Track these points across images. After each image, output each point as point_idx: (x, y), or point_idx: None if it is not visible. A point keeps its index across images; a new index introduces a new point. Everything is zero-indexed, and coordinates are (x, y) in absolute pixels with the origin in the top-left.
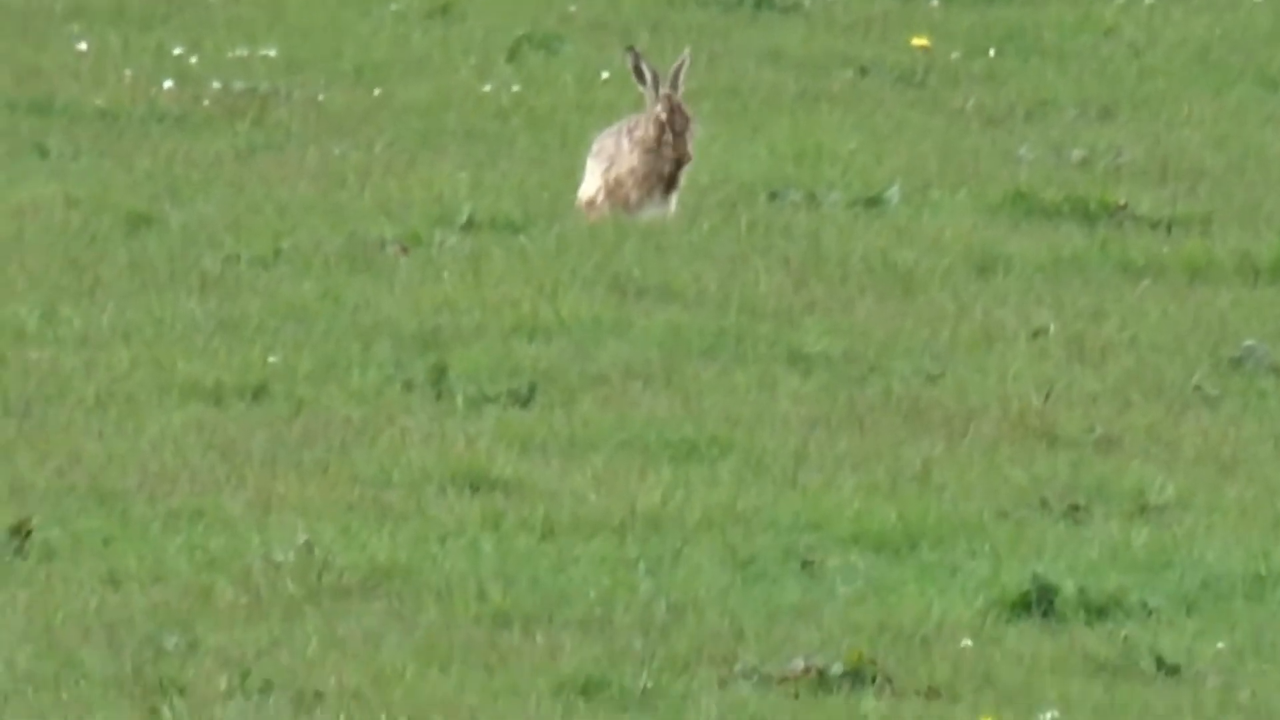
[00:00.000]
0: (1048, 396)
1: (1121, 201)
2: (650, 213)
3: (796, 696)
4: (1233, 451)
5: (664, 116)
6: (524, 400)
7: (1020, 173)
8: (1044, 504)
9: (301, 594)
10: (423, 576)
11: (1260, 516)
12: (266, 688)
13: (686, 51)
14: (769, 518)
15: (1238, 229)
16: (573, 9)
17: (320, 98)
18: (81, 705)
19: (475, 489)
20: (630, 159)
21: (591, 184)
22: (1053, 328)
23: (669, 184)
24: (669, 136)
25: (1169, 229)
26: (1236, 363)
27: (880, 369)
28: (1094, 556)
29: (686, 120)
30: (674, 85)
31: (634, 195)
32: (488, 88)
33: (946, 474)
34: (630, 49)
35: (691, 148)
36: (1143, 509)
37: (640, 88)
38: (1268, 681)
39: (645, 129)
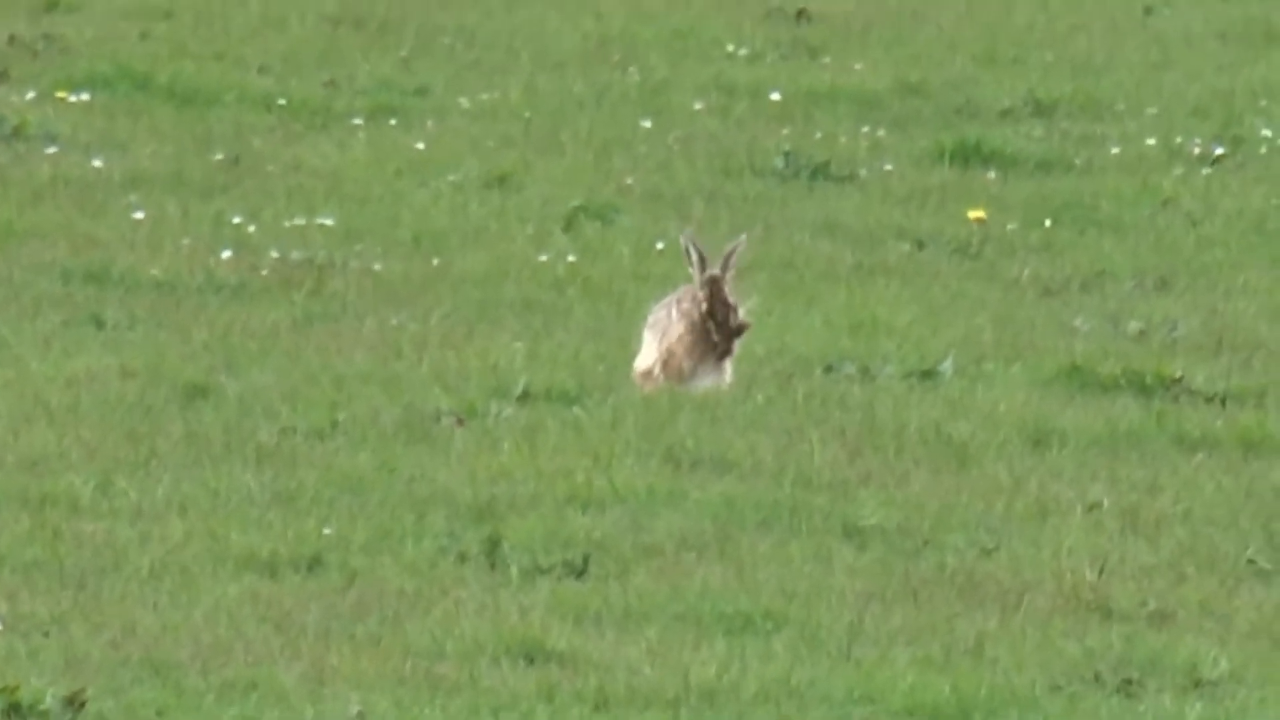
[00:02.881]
0: (1102, 570)
1: (1177, 374)
2: (706, 382)
3: None
4: None
5: (704, 306)
6: (578, 571)
7: (1076, 345)
8: (1097, 678)
9: None
10: None
11: None
12: None
13: (743, 237)
14: (823, 692)
15: None
16: (629, 180)
17: (377, 267)
18: None
19: (529, 661)
20: (679, 329)
21: (648, 355)
22: (1107, 501)
23: (723, 352)
24: (711, 325)
25: (1224, 403)
26: None
27: (935, 542)
28: None
29: (727, 309)
30: (724, 268)
31: (686, 365)
32: (544, 258)
33: (1000, 647)
34: (685, 232)
35: (737, 340)
36: (1196, 683)
37: (690, 270)
38: None
39: (692, 307)
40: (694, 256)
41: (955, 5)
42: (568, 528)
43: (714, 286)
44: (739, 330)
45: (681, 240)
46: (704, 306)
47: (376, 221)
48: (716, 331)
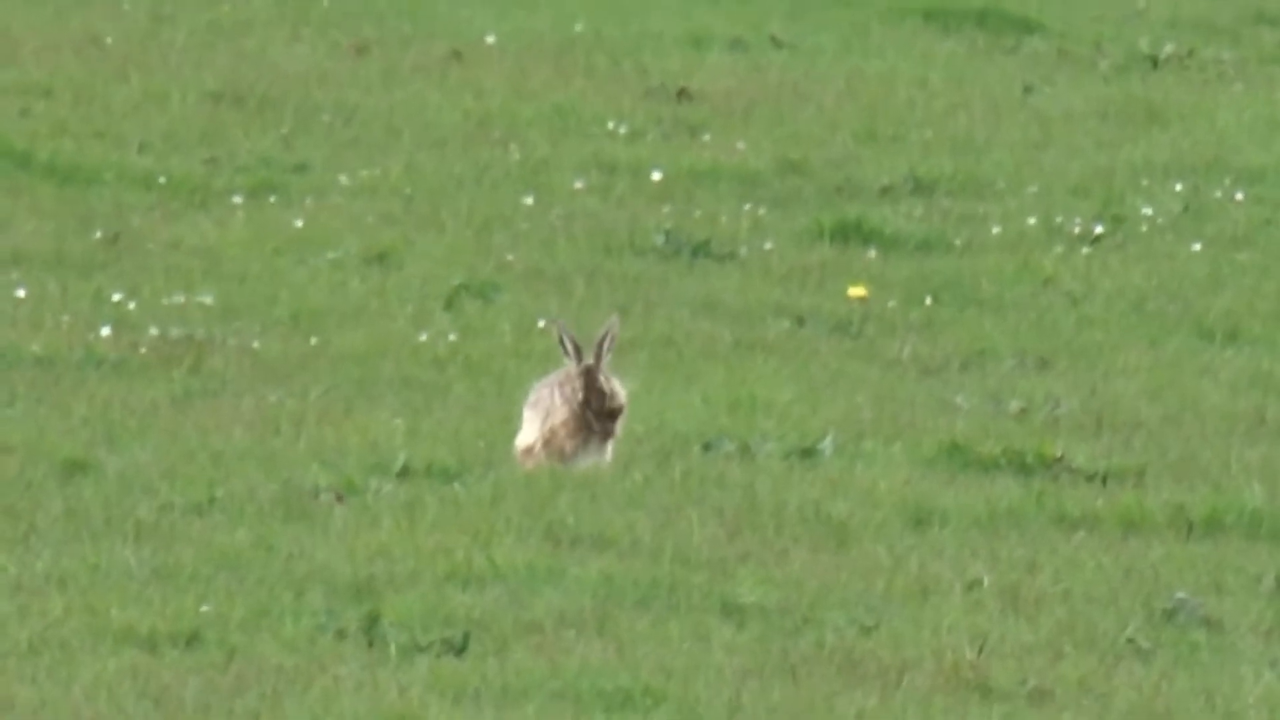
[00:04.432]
0: (981, 649)
1: (1058, 454)
2: (587, 461)
3: None
4: (1165, 705)
5: (580, 396)
6: (457, 649)
7: (956, 424)
8: None
9: None
10: None
11: None
12: None
13: (614, 319)
14: None
15: (1171, 482)
16: (510, 258)
17: (255, 345)
18: None
19: None
20: (562, 412)
21: (529, 433)
22: (987, 580)
23: (605, 435)
24: (589, 415)
25: (1104, 482)
26: (1169, 615)
27: (814, 620)
28: None
29: (603, 398)
30: (598, 355)
31: (569, 446)
32: (424, 336)
33: None
34: (553, 320)
35: (616, 424)
36: None
37: (565, 359)
38: None
39: (571, 393)
40: (567, 345)
41: (836, 84)
42: (447, 605)
43: (588, 377)
44: (615, 414)
45: (553, 330)
46: (579, 396)
47: (255, 299)
48: (595, 420)
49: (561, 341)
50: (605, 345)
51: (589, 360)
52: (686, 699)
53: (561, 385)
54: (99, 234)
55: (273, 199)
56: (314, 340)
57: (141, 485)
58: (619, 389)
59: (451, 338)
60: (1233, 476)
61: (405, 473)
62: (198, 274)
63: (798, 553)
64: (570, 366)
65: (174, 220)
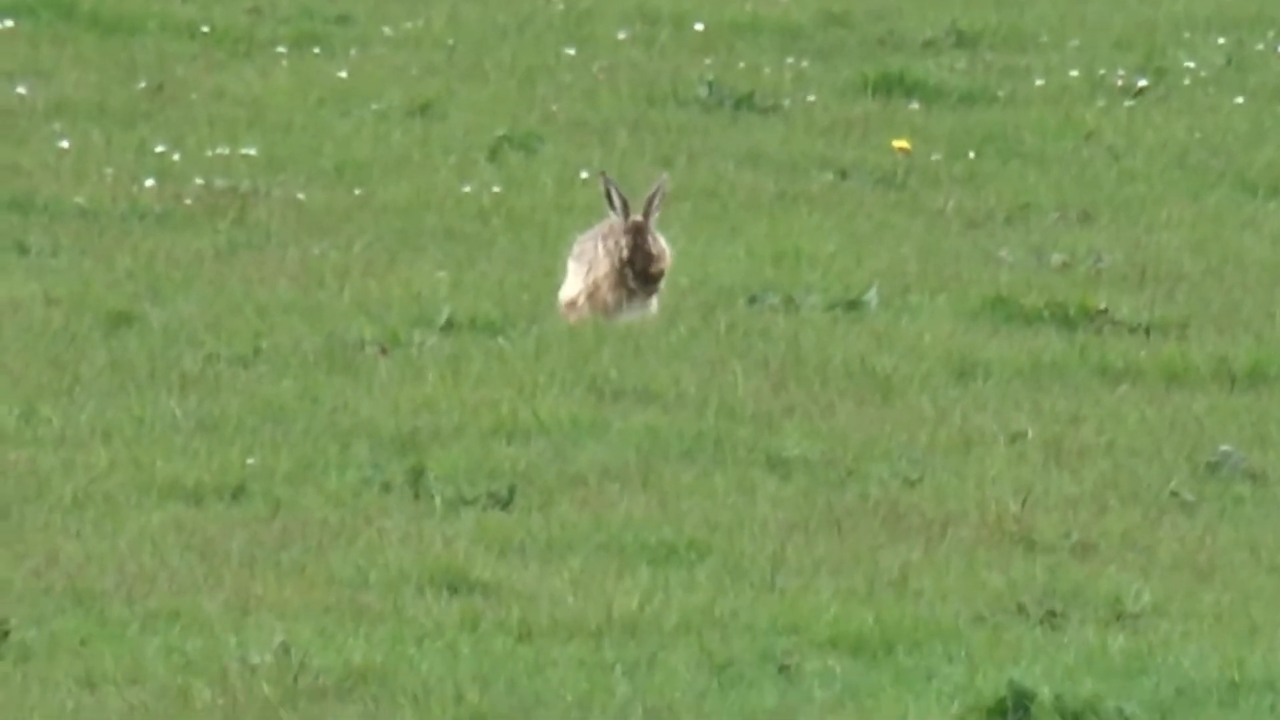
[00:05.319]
0: (1025, 502)
1: (1101, 306)
2: (631, 315)
3: None
4: (1209, 558)
5: (625, 254)
6: (502, 502)
7: (1000, 276)
8: (1021, 609)
9: (278, 696)
10: (399, 679)
11: (1235, 624)
12: None
13: (664, 177)
14: (746, 622)
15: (1215, 334)
16: (554, 108)
17: (300, 196)
18: None
19: (453, 591)
20: (604, 264)
21: (573, 286)
22: (1030, 433)
23: (646, 294)
24: (629, 273)
25: (1147, 334)
26: (1213, 468)
27: (858, 473)
28: (1070, 663)
29: (649, 259)
30: (647, 213)
31: (611, 299)
32: (467, 188)
33: (924, 579)
34: (602, 174)
35: (658, 281)
36: (1119, 615)
37: (611, 214)
38: None
39: (615, 251)
40: (615, 199)
41: None
42: (492, 458)
43: (638, 235)
44: (658, 277)
45: (600, 183)
46: (624, 254)
47: (299, 150)
48: (634, 279)
49: (609, 195)
50: (654, 203)
51: (637, 216)
52: (731, 552)
53: (605, 238)
54: (142, 84)
55: (316, 50)
56: (358, 192)
57: (186, 337)
58: (665, 249)
59: (495, 189)
60: (1276, 328)
61: (449, 325)
62: (242, 125)
63: (842, 405)
64: (615, 219)
65: (218, 70)
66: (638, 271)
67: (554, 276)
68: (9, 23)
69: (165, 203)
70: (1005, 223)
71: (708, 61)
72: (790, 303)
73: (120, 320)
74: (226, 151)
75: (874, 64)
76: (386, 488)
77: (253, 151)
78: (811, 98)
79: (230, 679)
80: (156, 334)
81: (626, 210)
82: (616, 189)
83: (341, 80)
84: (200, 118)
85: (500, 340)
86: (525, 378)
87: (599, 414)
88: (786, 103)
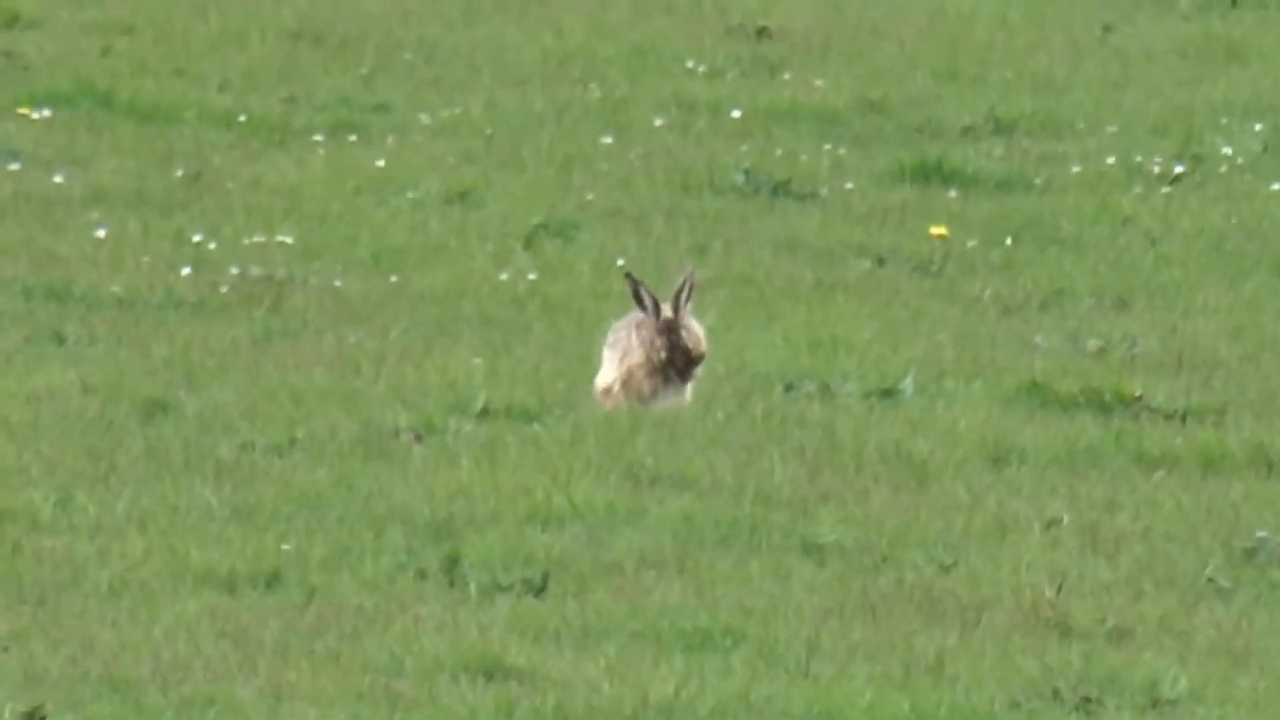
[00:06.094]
0: (1060, 588)
1: (1137, 393)
2: (666, 402)
3: None
4: (1245, 644)
5: (664, 354)
6: (537, 589)
7: (1035, 362)
8: (1056, 695)
9: None
10: None
11: (1273, 710)
12: None
13: (690, 268)
14: (782, 708)
15: (1252, 420)
16: (589, 196)
17: (337, 284)
18: None
19: (488, 678)
20: (638, 353)
21: (608, 373)
22: (1066, 519)
23: (684, 379)
24: (671, 371)
25: (1184, 420)
26: (1249, 554)
27: (894, 559)
28: None
29: (688, 355)
30: (676, 307)
31: (646, 386)
32: (504, 275)
33: (959, 664)
34: (628, 275)
35: (698, 366)
36: (1155, 702)
37: (640, 315)
38: None
39: (651, 351)
40: (645, 298)
41: (916, 21)
42: (527, 545)
43: (671, 334)
44: (697, 362)
45: (628, 284)
46: (662, 355)
47: (336, 238)
48: (677, 376)
49: (638, 295)
50: (684, 296)
51: (668, 314)
52: (766, 639)
53: (639, 326)
54: (179, 173)
55: (353, 138)
56: (394, 279)
57: (222, 425)
58: (701, 335)
59: (531, 277)
60: None
61: (485, 413)
62: (278, 213)
63: (878, 492)
64: (642, 315)
65: (254, 159)
66: (678, 368)
67: (590, 363)
68: (46, 112)
69: (201, 291)
70: (1041, 309)
71: (744, 148)
72: (826, 390)
73: (156, 409)
74: (263, 240)
75: (911, 151)
76: (421, 575)
77: (289, 240)
78: (849, 185)
79: None
80: (192, 422)
81: (657, 308)
82: (644, 287)
83: (378, 168)
84: (237, 206)
85: (536, 427)
86: (560, 464)
87: (634, 501)
88: (823, 190)
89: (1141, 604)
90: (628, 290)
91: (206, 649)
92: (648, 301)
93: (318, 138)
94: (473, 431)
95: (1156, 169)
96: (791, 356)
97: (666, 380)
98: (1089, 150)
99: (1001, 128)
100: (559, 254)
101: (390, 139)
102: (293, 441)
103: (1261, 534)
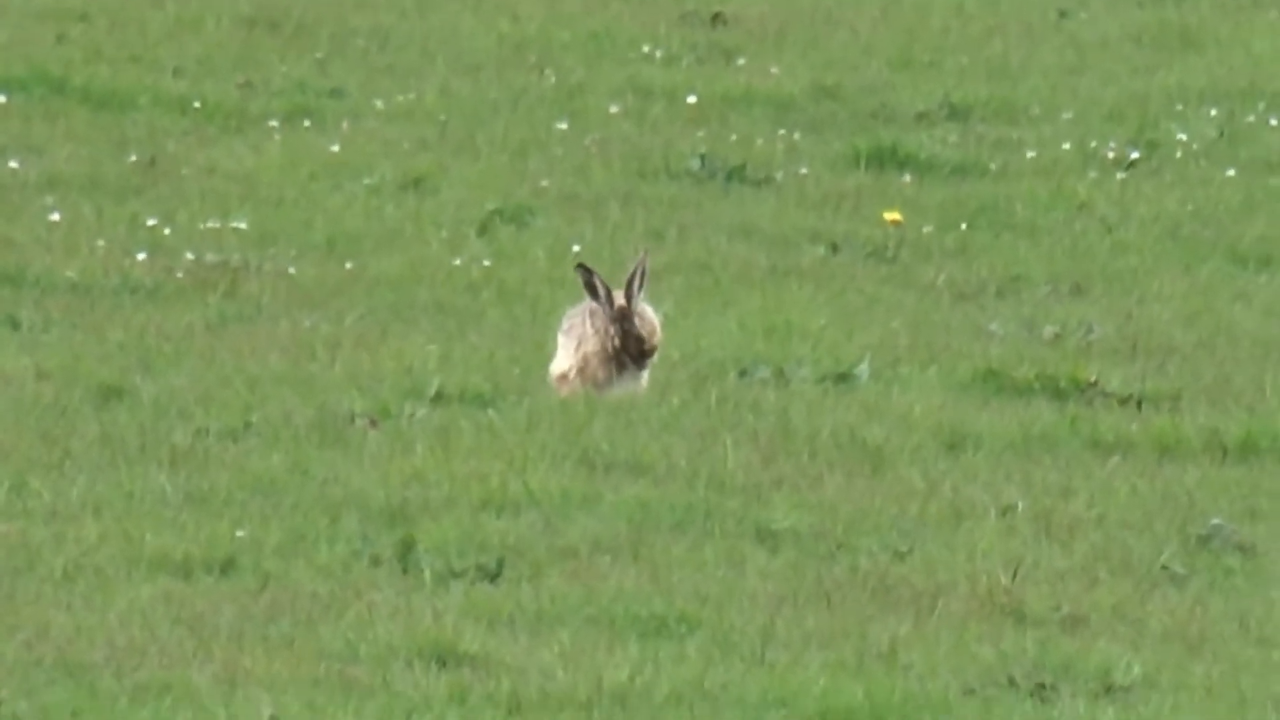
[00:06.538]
0: (1015, 574)
1: (1092, 378)
2: (621, 388)
3: None
4: (1200, 630)
5: (616, 342)
6: (492, 575)
7: (991, 349)
8: (1011, 682)
9: None
10: None
11: (1226, 696)
12: None
13: (643, 255)
14: (736, 695)
15: (1206, 406)
16: (544, 183)
17: (291, 270)
18: None
19: (442, 664)
20: (593, 341)
21: (564, 359)
22: (1021, 505)
23: (639, 369)
24: (626, 359)
25: (1139, 406)
26: (1204, 540)
27: (848, 546)
28: None
29: (640, 343)
30: (630, 295)
31: (602, 373)
32: (459, 261)
33: (914, 652)
34: (578, 266)
35: (651, 356)
36: (1109, 688)
37: (594, 304)
38: None
39: (605, 339)
40: (597, 288)
41: (870, 8)
42: (482, 531)
43: (625, 321)
44: (650, 353)
45: (580, 274)
46: (615, 343)
47: (290, 224)
48: (631, 362)
49: (591, 286)
50: (637, 284)
51: (621, 302)
52: (721, 625)
53: (593, 314)
54: (134, 159)
55: (308, 124)
56: (349, 265)
57: (177, 411)
58: (655, 323)
59: (486, 263)
60: (1267, 401)
61: (440, 398)
62: (233, 199)
63: (832, 478)
64: (599, 305)
65: (209, 145)
66: (633, 356)
67: (545, 350)
68: (1, 98)
69: (156, 276)
70: (996, 295)
71: (699, 134)
72: (781, 376)
73: (111, 394)
74: (218, 225)
75: (866, 137)
76: (376, 561)
77: (244, 225)
78: (804, 171)
79: None
80: (147, 408)
81: (610, 298)
82: (597, 277)
83: (333, 154)
84: (192, 192)
85: (490, 413)
86: (515, 450)
87: (589, 487)
88: (778, 176)
89: (1096, 591)
90: (580, 283)
91: (161, 635)
92: (601, 292)
93: (273, 124)
94: (427, 417)
95: (1112, 155)
96: (746, 342)
97: (622, 367)
98: (1044, 136)
99: (956, 113)
100: (514, 240)
101: (345, 125)
102: (247, 427)
103: (1216, 520)
